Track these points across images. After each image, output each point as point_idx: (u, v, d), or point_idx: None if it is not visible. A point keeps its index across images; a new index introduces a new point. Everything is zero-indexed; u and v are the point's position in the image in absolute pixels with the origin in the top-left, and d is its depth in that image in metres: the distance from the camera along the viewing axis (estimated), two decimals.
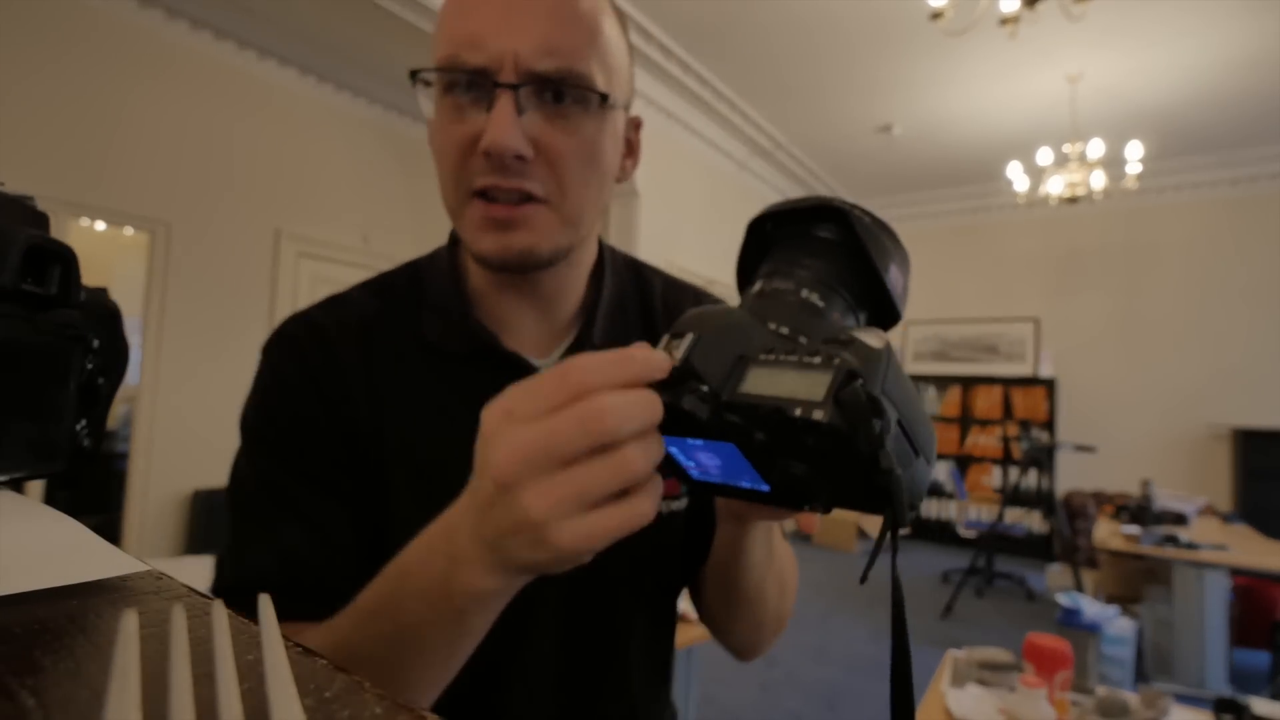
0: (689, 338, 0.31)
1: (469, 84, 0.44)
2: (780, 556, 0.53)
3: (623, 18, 0.51)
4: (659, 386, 0.29)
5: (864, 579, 0.33)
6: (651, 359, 0.29)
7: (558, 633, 0.51)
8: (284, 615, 0.50)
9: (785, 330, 0.31)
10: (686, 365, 0.30)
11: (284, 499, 0.48)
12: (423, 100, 0.47)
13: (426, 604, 0.34)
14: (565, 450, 0.27)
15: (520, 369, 0.51)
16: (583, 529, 0.28)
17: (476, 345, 0.51)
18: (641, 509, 0.29)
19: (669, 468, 0.34)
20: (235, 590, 0.46)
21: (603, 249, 0.59)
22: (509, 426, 0.28)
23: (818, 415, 0.27)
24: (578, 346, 0.54)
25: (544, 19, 0.43)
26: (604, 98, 0.45)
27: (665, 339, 0.32)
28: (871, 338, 0.29)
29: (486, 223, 0.45)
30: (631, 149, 0.54)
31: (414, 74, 0.45)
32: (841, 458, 0.28)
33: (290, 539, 0.46)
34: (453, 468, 0.46)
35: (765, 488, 0.32)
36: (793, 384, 0.28)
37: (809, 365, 0.28)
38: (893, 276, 0.34)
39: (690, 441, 0.32)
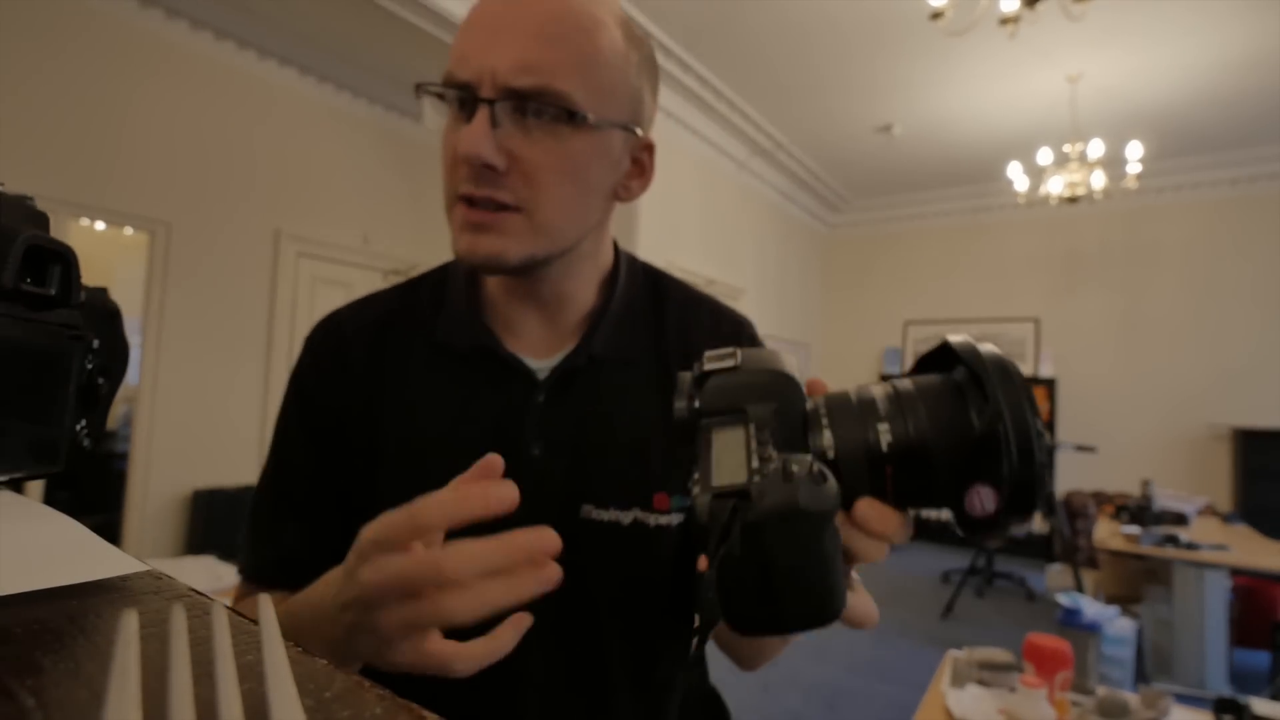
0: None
1: (460, 98, 0.47)
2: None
3: (643, 42, 0.53)
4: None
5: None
6: (490, 499, 0.33)
7: (544, 640, 0.50)
8: (256, 580, 0.53)
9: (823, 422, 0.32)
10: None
11: (288, 498, 0.54)
12: (430, 112, 0.50)
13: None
14: (417, 584, 0.32)
15: (517, 370, 0.54)
16: (410, 654, 0.33)
17: (478, 345, 0.54)
18: (445, 661, 0.34)
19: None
20: (247, 580, 0.53)
21: (620, 258, 0.61)
22: (377, 552, 0.33)
23: (698, 502, 0.30)
24: (578, 353, 0.56)
25: (526, 38, 0.45)
26: (583, 116, 0.47)
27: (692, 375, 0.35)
28: (805, 488, 0.28)
29: (464, 225, 0.48)
30: (642, 170, 0.56)
31: (418, 88, 0.50)
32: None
33: (288, 538, 0.52)
34: (432, 456, 0.51)
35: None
36: (732, 465, 0.30)
37: (762, 459, 0.30)
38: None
39: None
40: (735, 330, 0.65)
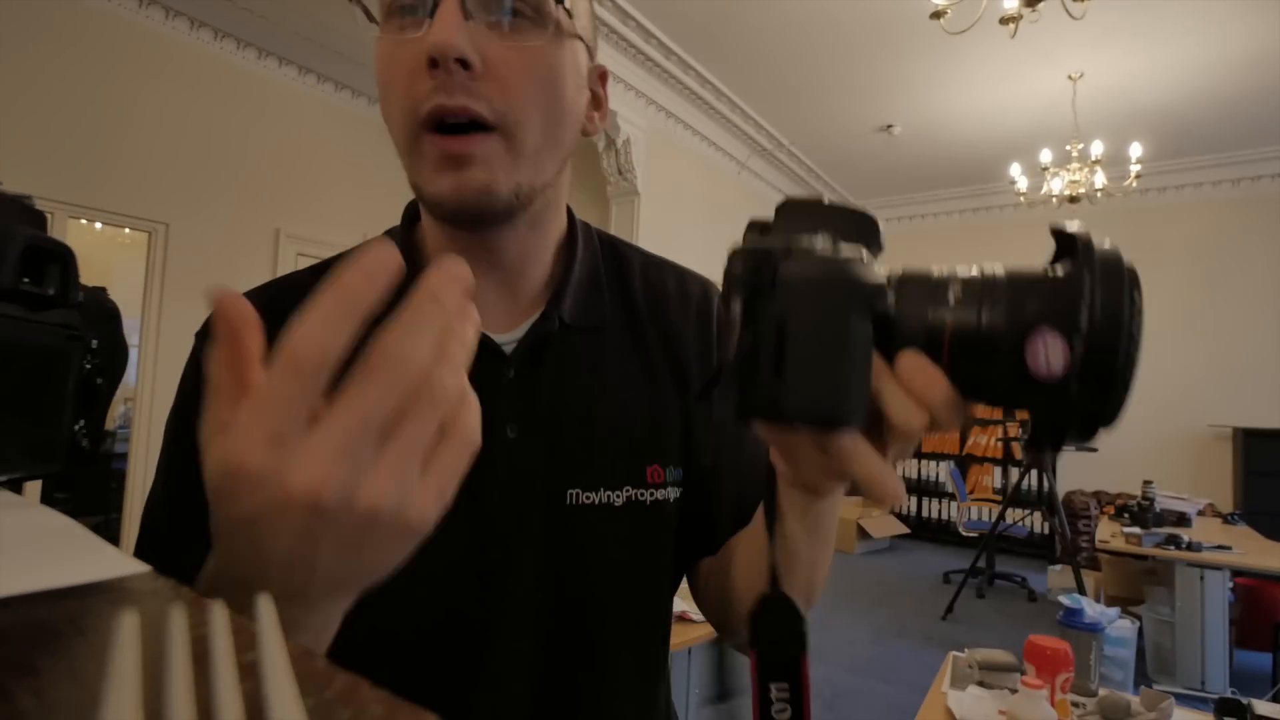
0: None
1: (410, 5, 0.40)
2: (824, 543, 0.47)
3: None
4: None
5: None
6: (369, 273, 0.22)
7: (533, 628, 0.48)
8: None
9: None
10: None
11: (184, 511, 0.43)
12: (364, 20, 0.43)
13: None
14: (383, 419, 0.21)
15: (479, 347, 0.47)
16: (433, 490, 0.23)
17: None
18: (470, 436, 0.24)
19: None
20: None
21: (573, 220, 0.56)
22: (300, 436, 0.21)
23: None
24: (545, 320, 0.50)
25: None
26: (565, 12, 0.42)
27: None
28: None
29: (441, 161, 0.41)
30: (598, 101, 0.51)
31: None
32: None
33: (186, 549, 0.40)
34: None
35: None
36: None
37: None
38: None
39: None
40: (702, 290, 0.60)
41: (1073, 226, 0.28)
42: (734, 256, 0.29)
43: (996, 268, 0.28)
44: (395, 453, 0.22)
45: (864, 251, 0.30)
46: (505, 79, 0.41)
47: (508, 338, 0.50)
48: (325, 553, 0.22)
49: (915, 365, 0.28)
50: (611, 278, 0.56)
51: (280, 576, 0.23)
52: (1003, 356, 0.27)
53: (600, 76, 0.52)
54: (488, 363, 0.47)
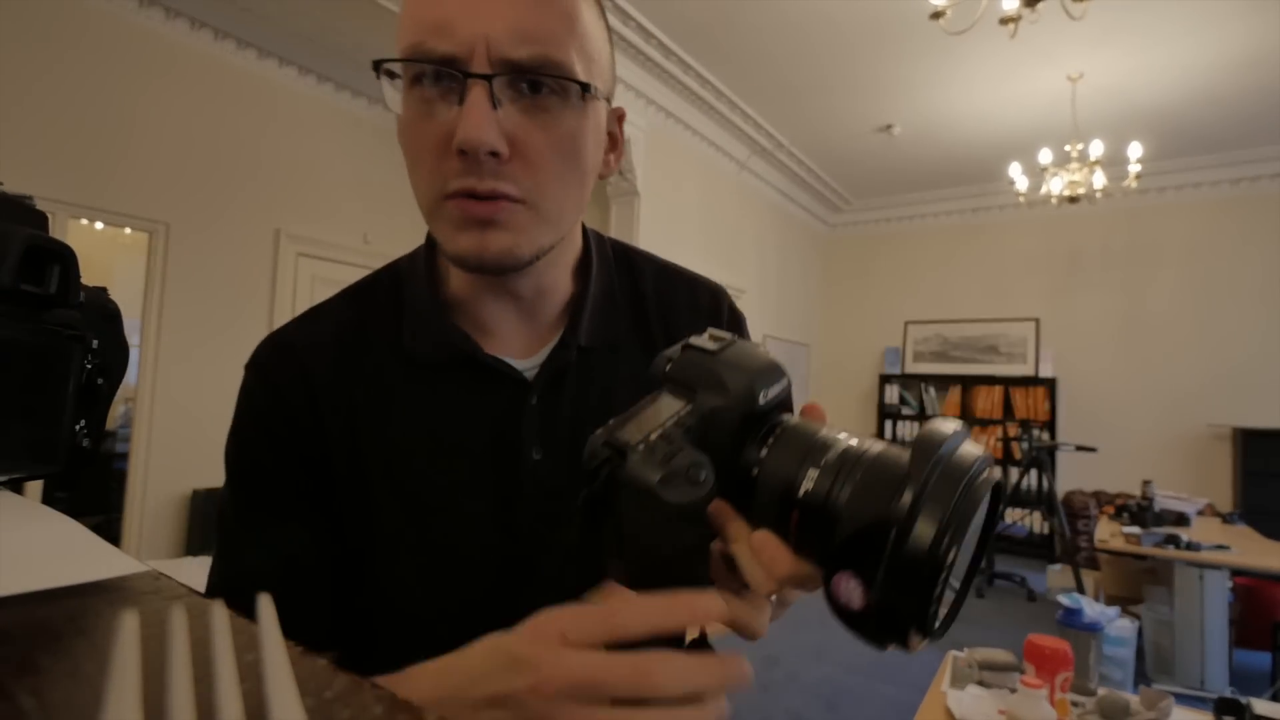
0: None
1: (437, 75, 0.41)
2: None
3: (600, 6, 0.48)
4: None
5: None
6: (698, 613, 0.29)
7: None
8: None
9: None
10: None
11: (253, 528, 0.48)
12: (388, 93, 0.43)
13: None
14: (612, 691, 0.27)
15: (501, 375, 0.50)
16: None
17: (455, 354, 0.49)
18: None
19: None
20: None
21: (589, 240, 0.56)
22: (560, 648, 0.28)
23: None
24: (562, 347, 0.52)
25: (517, 1, 0.40)
26: (585, 88, 0.42)
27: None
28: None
29: (464, 221, 0.43)
30: (614, 143, 0.52)
31: (377, 65, 0.42)
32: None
33: (257, 566, 0.47)
34: (435, 481, 0.47)
35: None
36: None
37: (667, 438, 0.32)
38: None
39: None
40: (713, 300, 0.61)
41: (946, 426, 0.29)
42: (593, 439, 0.31)
43: (872, 446, 0.30)
44: (598, 716, 0.27)
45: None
46: (531, 159, 0.42)
47: (529, 364, 0.51)
48: (500, 715, 0.29)
49: (763, 542, 0.30)
50: (625, 293, 0.57)
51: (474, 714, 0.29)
52: (843, 532, 0.28)
53: (618, 118, 0.52)
54: (512, 390, 0.50)
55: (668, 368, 0.34)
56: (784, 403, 0.34)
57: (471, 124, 0.39)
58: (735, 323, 0.61)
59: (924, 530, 0.26)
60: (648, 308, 0.57)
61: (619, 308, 0.56)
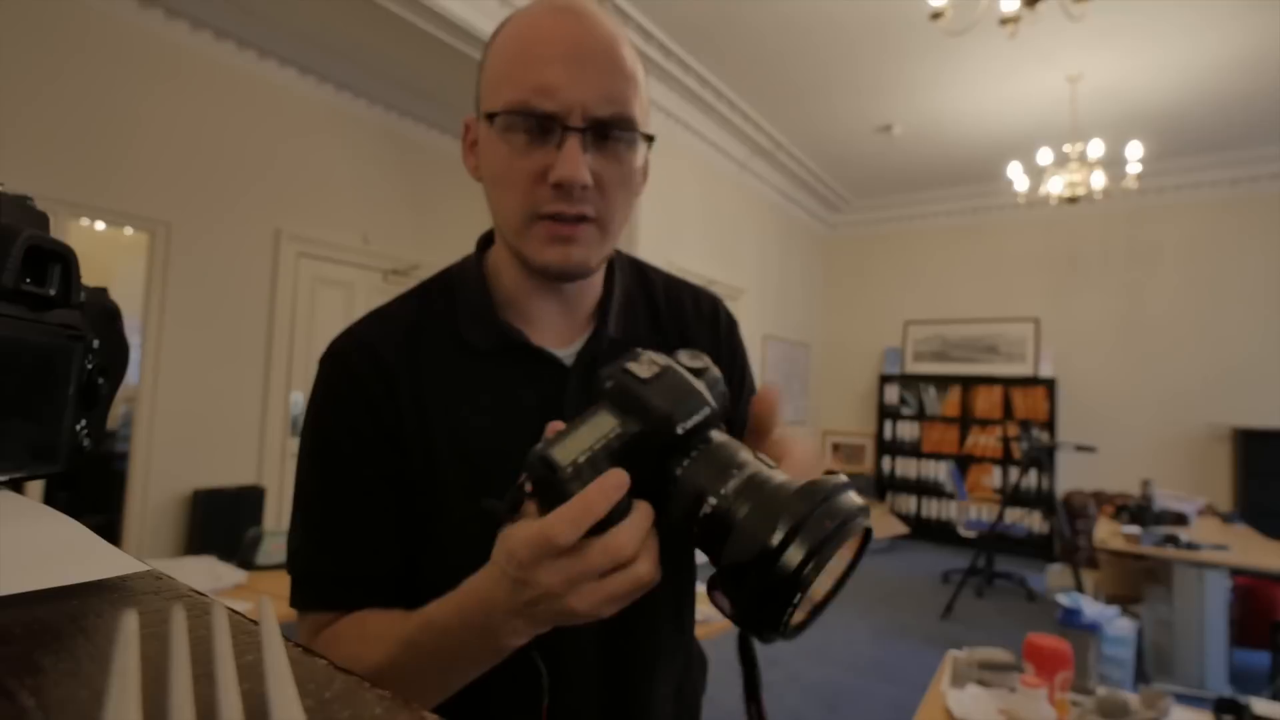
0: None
1: (540, 127, 0.52)
2: None
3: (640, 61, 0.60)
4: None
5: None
6: (609, 492, 0.36)
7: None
8: (333, 604, 0.55)
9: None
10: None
11: (336, 508, 0.56)
12: (480, 133, 0.56)
13: (470, 653, 0.44)
14: (598, 569, 0.37)
15: (546, 360, 0.60)
16: (596, 596, 0.37)
17: (507, 342, 0.59)
18: (641, 572, 0.37)
19: None
20: (301, 583, 0.56)
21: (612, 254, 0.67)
22: (545, 561, 0.37)
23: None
24: (595, 339, 0.62)
25: (603, 73, 0.52)
26: (649, 137, 0.55)
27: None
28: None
29: (553, 238, 0.53)
30: (646, 169, 0.63)
31: (490, 116, 0.53)
32: None
33: (342, 544, 0.55)
34: (490, 454, 0.56)
35: None
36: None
37: (593, 459, 0.38)
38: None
39: None
40: (712, 306, 0.72)
41: (838, 479, 0.35)
42: (533, 452, 0.38)
43: (776, 476, 0.36)
44: (608, 587, 0.37)
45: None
46: (606, 190, 0.54)
47: (567, 352, 0.61)
48: (521, 600, 0.39)
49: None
50: (641, 297, 0.68)
51: (505, 602, 0.40)
52: (725, 553, 0.34)
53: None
54: (555, 373, 0.60)
55: (607, 384, 0.39)
56: (707, 424, 0.39)
57: (570, 166, 0.50)
58: (729, 325, 0.72)
59: (792, 557, 0.32)
60: (660, 310, 0.68)
61: (638, 309, 0.66)
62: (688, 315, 0.69)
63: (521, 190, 0.53)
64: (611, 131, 0.52)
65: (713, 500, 0.35)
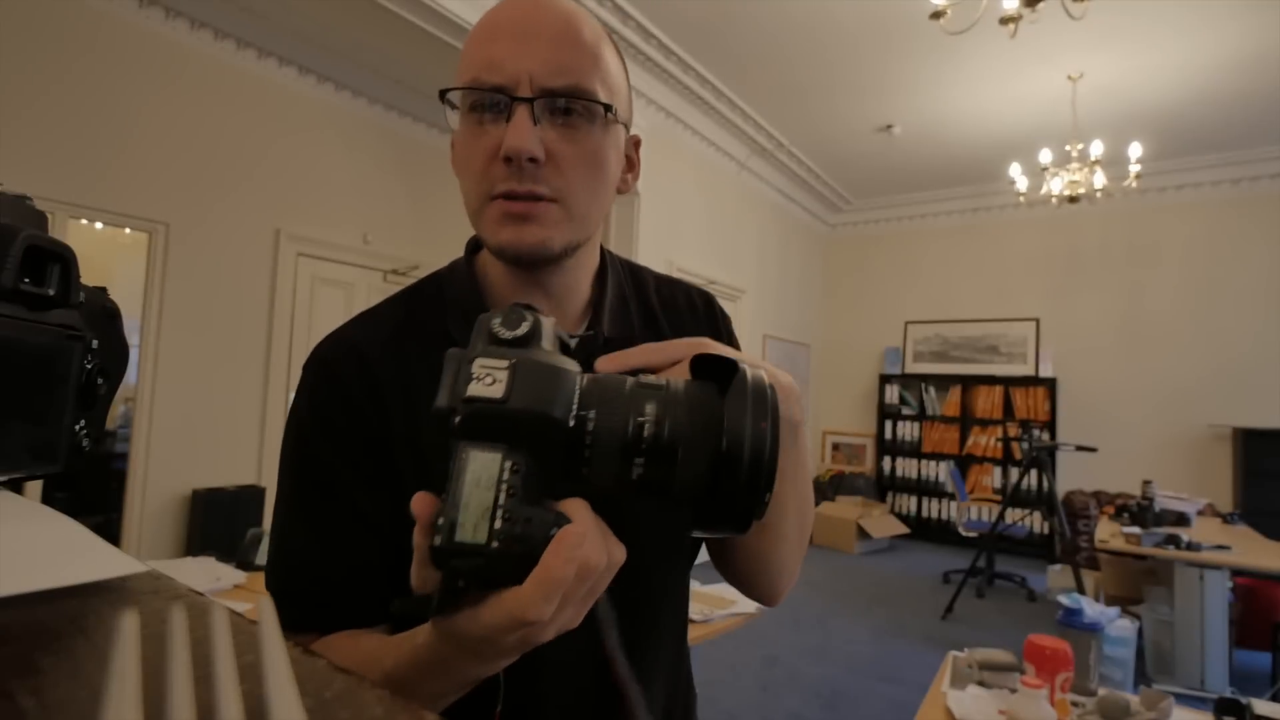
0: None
1: (490, 103, 0.50)
2: (799, 498, 0.57)
3: (620, 52, 0.58)
4: None
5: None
6: (566, 568, 0.34)
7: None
8: (311, 625, 0.52)
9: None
10: None
11: (313, 517, 0.54)
12: (451, 118, 0.54)
13: (440, 694, 0.41)
14: (574, 594, 0.35)
15: None
16: (579, 611, 0.37)
17: None
18: (614, 562, 0.37)
19: None
20: (276, 596, 0.53)
21: (603, 254, 0.66)
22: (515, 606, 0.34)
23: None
24: (591, 337, 0.60)
25: (553, 44, 0.50)
26: (607, 108, 0.52)
27: None
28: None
29: (505, 218, 0.52)
30: (632, 164, 0.62)
31: (443, 93, 0.52)
32: None
33: (316, 555, 0.53)
34: None
35: None
36: None
37: (506, 519, 0.34)
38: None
39: None
40: (705, 302, 0.71)
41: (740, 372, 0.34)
42: (439, 550, 0.32)
43: (677, 383, 0.35)
44: (571, 615, 0.36)
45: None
46: (562, 165, 0.52)
47: None
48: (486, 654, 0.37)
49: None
50: (635, 297, 0.67)
51: (495, 667, 0.39)
52: (685, 462, 0.33)
53: (635, 144, 0.62)
54: None
55: (457, 422, 0.32)
56: (581, 383, 0.35)
57: (515, 135, 0.48)
58: (724, 320, 0.71)
59: (754, 453, 0.32)
60: (655, 309, 0.67)
61: (631, 310, 0.65)
62: (683, 313, 0.68)
63: (477, 170, 0.52)
64: (566, 103, 0.51)
65: (641, 448, 0.33)
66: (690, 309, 0.69)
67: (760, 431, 0.32)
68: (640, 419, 0.33)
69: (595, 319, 0.61)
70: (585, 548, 0.33)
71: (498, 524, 0.31)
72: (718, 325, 0.70)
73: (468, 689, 0.41)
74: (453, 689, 0.41)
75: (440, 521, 0.31)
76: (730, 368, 0.35)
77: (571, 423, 0.33)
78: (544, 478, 0.33)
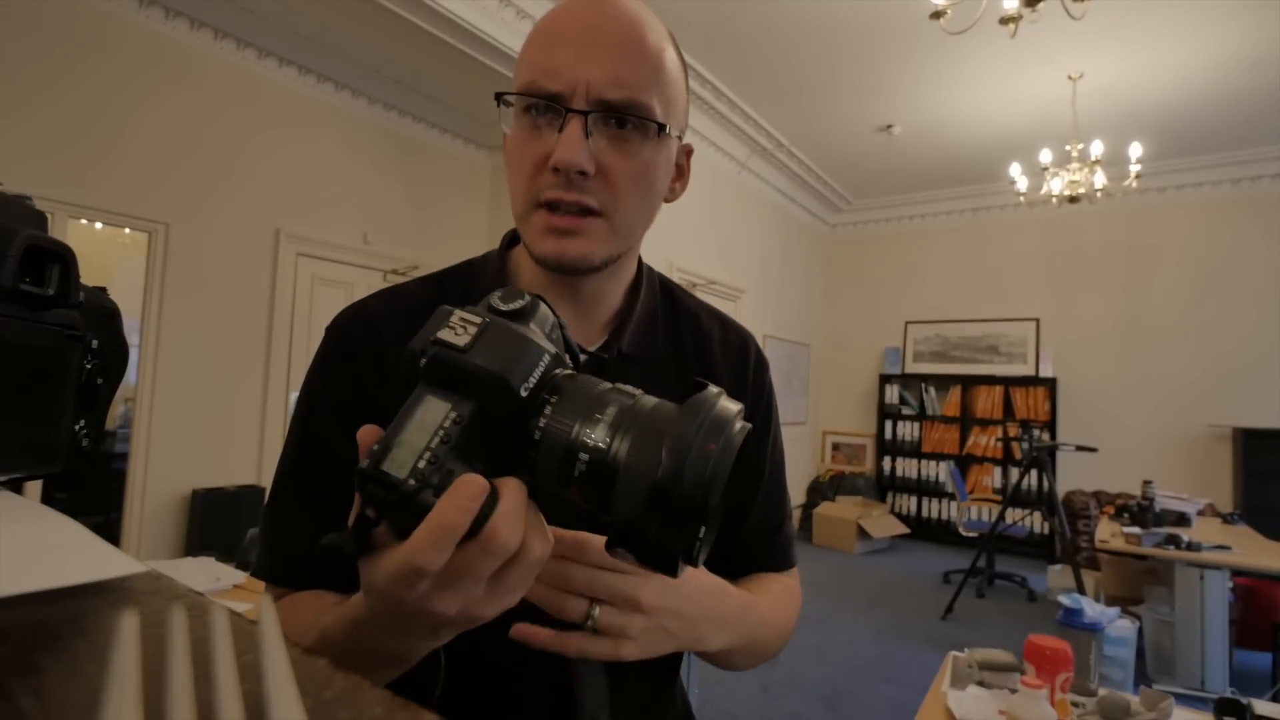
0: None
1: (545, 108, 0.50)
2: (755, 624, 0.56)
3: (681, 55, 0.58)
4: None
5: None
6: (464, 507, 0.32)
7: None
8: (290, 582, 0.53)
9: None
10: None
11: (311, 487, 0.54)
12: (504, 115, 0.53)
13: (382, 663, 0.40)
14: (518, 568, 0.35)
15: None
16: (495, 596, 0.35)
17: None
18: (534, 555, 0.35)
19: None
20: (262, 554, 0.54)
21: (641, 268, 0.65)
22: (429, 581, 0.33)
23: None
24: (608, 347, 0.59)
25: (615, 55, 0.50)
26: (662, 127, 0.52)
27: None
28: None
29: (549, 230, 0.51)
30: (681, 173, 0.61)
31: (499, 96, 0.52)
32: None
33: (308, 515, 0.53)
34: None
35: None
36: None
37: (432, 461, 0.33)
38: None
39: None
40: (741, 342, 0.69)
41: (711, 390, 0.33)
42: (362, 472, 0.32)
43: (648, 400, 0.34)
44: (495, 591, 0.35)
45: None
46: (612, 180, 0.51)
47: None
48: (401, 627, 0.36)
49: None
50: (666, 318, 0.65)
51: (412, 641, 0.38)
52: (622, 484, 0.32)
53: (687, 153, 0.61)
54: None
55: (421, 363, 0.33)
56: (551, 373, 0.34)
57: (566, 148, 0.48)
58: (759, 364, 0.69)
59: (691, 482, 0.30)
60: (684, 334, 0.66)
61: (659, 329, 0.64)
62: (714, 345, 0.66)
63: (526, 175, 0.51)
64: (621, 118, 0.50)
65: (584, 456, 0.32)
66: (724, 344, 0.67)
67: (704, 454, 0.30)
68: (598, 416, 0.32)
69: (619, 330, 0.60)
70: (498, 521, 0.32)
71: (422, 464, 0.31)
72: (748, 368, 0.67)
73: (405, 665, 0.40)
74: (386, 659, 0.39)
75: (375, 448, 0.32)
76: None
77: (524, 394, 0.33)
78: (486, 442, 0.33)
